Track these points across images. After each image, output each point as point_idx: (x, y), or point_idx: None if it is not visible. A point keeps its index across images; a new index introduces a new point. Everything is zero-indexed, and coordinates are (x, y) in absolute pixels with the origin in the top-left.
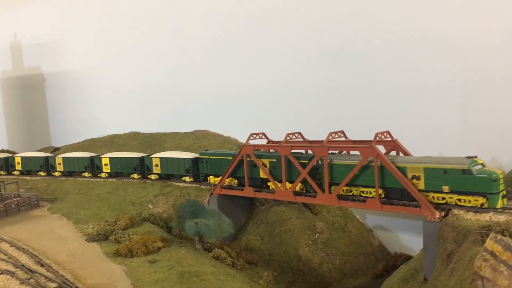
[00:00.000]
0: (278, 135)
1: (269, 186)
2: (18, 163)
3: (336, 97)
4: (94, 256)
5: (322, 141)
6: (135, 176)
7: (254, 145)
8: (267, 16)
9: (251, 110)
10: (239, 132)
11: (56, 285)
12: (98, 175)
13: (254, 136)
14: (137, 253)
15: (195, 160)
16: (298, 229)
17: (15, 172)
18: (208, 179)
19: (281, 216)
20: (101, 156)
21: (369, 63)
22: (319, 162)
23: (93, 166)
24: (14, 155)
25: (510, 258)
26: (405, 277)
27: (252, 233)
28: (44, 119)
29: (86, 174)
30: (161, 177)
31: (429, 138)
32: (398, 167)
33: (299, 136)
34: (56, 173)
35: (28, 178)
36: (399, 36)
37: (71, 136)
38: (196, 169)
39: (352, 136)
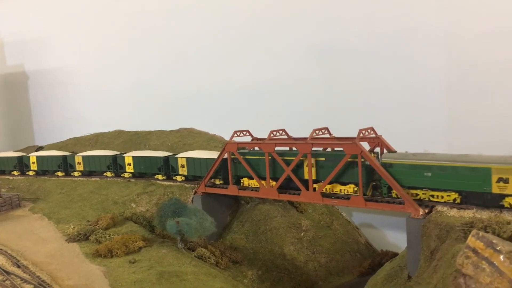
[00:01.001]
0: (263, 133)
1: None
2: (33, 163)
3: (320, 94)
4: (73, 256)
5: (306, 138)
6: (159, 177)
7: (238, 143)
8: (251, 14)
9: (236, 107)
10: (224, 130)
11: (32, 286)
12: (121, 175)
13: (238, 133)
14: (117, 253)
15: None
16: (283, 227)
17: (30, 173)
18: (242, 181)
19: (266, 215)
20: (124, 154)
21: (353, 59)
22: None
23: (116, 165)
24: (29, 154)
25: (493, 255)
26: (389, 275)
27: (236, 231)
28: (27, 117)
29: (108, 174)
30: (187, 178)
31: (413, 135)
32: (478, 168)
33: (283, 133)
34: (76, 173)
35: (11, 177)
36: (382, 32)
37: (55, 135)
38: (226, 172)
39: (337, 133)
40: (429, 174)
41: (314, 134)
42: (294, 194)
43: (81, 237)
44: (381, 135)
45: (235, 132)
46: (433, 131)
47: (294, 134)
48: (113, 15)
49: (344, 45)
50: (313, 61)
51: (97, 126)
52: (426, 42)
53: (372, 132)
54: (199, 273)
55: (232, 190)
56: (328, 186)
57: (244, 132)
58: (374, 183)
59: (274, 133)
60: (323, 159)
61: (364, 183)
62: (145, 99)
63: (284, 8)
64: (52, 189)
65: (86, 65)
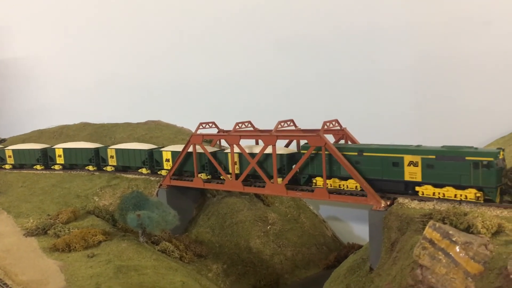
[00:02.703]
0: (230, 125)
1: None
2: (59, 156)
3: (287, 86)
4: (29, 251)
5: (271, 130)
6: (144, 171)
7: (203, 134)
8: (219, 8)
9: (204, 100)
10: (193, 122)
11: None
12: (158, 172)
13: (204, 125)
14: (75, 247)
15: (289, 155)
16: (250, 221)
17: (56, 167)
18: (314, 181)
19: (232, 208)
20: (161, 149)
21: (320, 52)
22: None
23: (152, 161)
24: (54, 146)
25: (449, 246)
26: (352, 267)
27: (202, 225)
28: None
29: (144, 171)
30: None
31: (379, 127)
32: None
33: (249, 125)
34: (109, 168)
35: None
36: (348, 25)
37: (18, 127)
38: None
39: (304, 125)
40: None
41: (280, 126)
42: (259, 186)
43: (39, 231)
44: (345, 128)
45: (201, 124)
46: (399, 123)
47: (260, 126)
48: (79, 5)
49: (310, 39)
50: (280, 54)
51: (62, 118)
52: (391, 34)
53: (336, 124)
54: (159, 267)
55: (197, 182)
56: (436, 190)
57: (210, 124)
58: (503, 186)
59: (240, 125)
60: (433, 157)
61: (492, 187)
62: (111, 91)
63: (251, 2)
64: (13, 182)
65: (50, 55)
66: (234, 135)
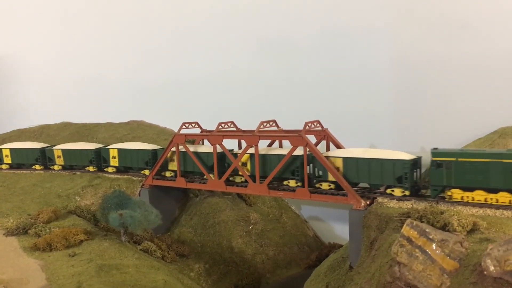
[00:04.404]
0: (213, 125)
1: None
2: (59, 157)
3: (269, 86)
4: (9, 250)
5: (254, 131)
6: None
7: (186, 134)
8: (201, 6)
9: (187, 100)
10: (175, 122)
11: None
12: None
13: (187, 125)
14: (56, 246)
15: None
16: (232, 221)
17: (56, 167)
18: (449, 194)
19: (215, 208)
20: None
21: (302, 53)
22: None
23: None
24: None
25: (426, 244)
26: (333, 266)
27: (185, 225)
28: None
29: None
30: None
31: (359, 128)
32: None
33: (232, 125)
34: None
35: None
36: (329, 26)
37: None
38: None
39: (286, 126)
40: None
41: (262, 126)
42: (241, 186)
43: (20, 231)
44: (327, 128)
45: (184, 123)
46: (380, 124)
47: (243, 126)
48: (60, 4)
49: (292, 39)
50: (263, 54)
51: (43, 118)
52: (372, 36)
53: (318, 125)
54: (141, 266)
55: (179, 182)
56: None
57: (193, 124)
58: None
59: (223, 125)
60: None
61: None
62: (93, 90)
63: (234, 2)
64: None
65: (30, 54)
66: (217, 135)
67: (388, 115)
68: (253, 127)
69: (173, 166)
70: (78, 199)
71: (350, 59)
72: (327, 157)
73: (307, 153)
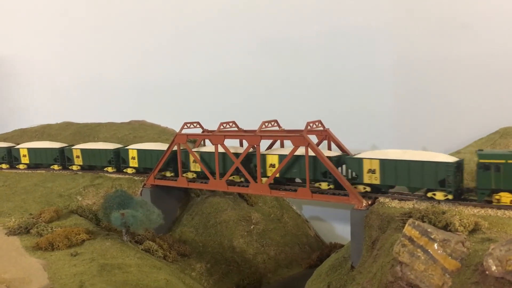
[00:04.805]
0: (215, 125)
1: None
2: (24, 156)
3: (271, 86)
4: (11, 250)
5: (255, 131)
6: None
7: (188, 134)
8: (203, 6)
9: (187, 100)
10: (177, 122)
11: None
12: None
13: (189, 125)
14: (58, 246)
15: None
16: (233, 220)
17: (74, 167)
18: (497, 197)
19: (216, 207)
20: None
21: (304, 53)
22: None
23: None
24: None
25: (427, 243)
26: (334, 265)
27: (186, 224)
28: None
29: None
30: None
31: (360, 128)
32: None
33: (234, 125)
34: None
35: None
36: (331, 26)
37: None
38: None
39: (288, 126)
40: None
41: (263, 126)
42: (243, 186)
43: (22, 230)
44: (328, 128)
45: (185, 123)
46: (381, 124)
47: (245, 126)
48: (61, 4)
49: (294, 40)
50: (265, 54)
51: (44, 118)
52: (373, 36)
53: (320, 125)
54: (143, 266)
55: (181, 182)
56: None
57: (195, 124)
58: None
59: (224, 125)
60: None
61: None
62: (94, 90)
63: (235, 2)
64: None
65: (31, 54)
66: (218, 135)
67: (389, 115)
68: (255, 127)
69: (195, 167)
70: (80, 199)
71: (351, 59)
72: (362, 159)
73: (340, 154)
